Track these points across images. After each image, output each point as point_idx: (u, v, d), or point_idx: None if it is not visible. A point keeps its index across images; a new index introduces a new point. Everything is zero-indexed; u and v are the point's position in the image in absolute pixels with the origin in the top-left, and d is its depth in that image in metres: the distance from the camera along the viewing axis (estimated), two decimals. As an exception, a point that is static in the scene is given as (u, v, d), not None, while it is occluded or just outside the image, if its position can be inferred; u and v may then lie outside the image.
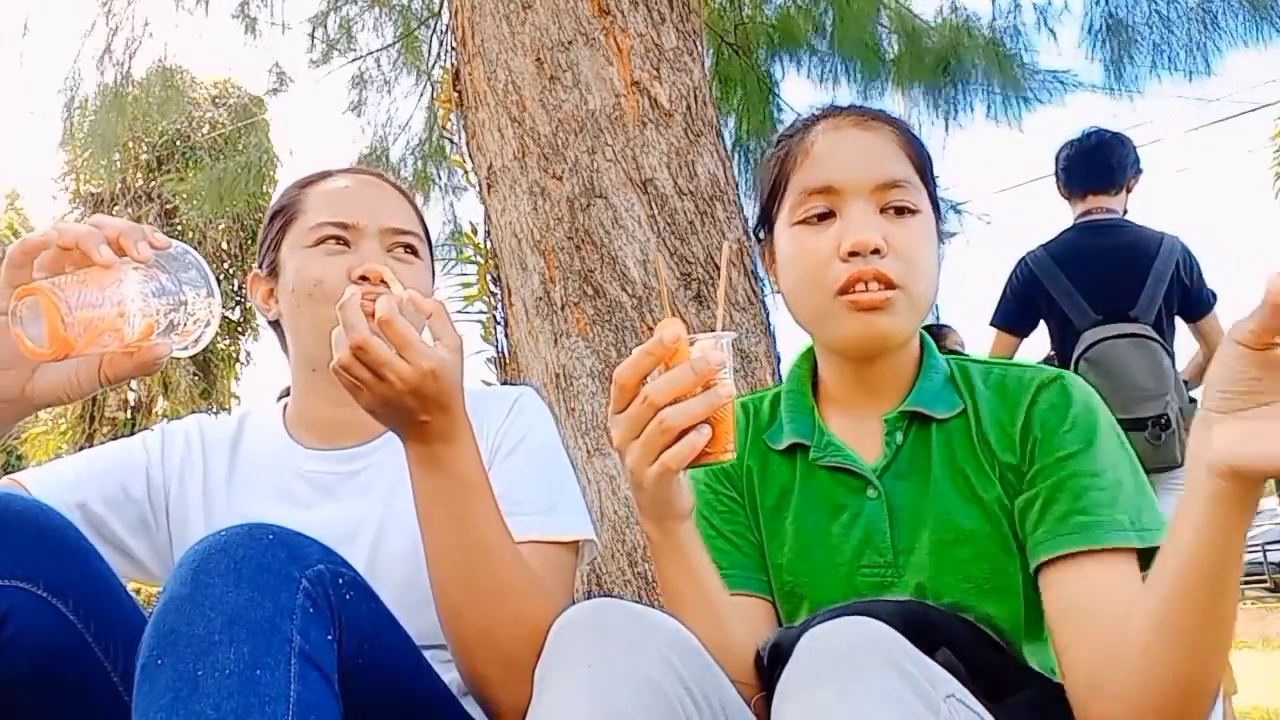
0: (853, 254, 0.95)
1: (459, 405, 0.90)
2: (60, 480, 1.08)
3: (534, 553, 1.02)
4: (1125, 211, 2.85)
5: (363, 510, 1.04)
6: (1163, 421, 2.46)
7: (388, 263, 1.12)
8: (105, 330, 0.77)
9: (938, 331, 3.77)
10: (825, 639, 0.71)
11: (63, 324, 0.73)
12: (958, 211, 5.27)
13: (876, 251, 0.94)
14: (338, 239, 1.12)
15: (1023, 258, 2.83)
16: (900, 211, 0.98)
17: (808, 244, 0.99)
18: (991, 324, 2.93)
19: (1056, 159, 2.91)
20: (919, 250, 0.97)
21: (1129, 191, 2.83)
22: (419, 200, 1.28)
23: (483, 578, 0.88)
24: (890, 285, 0.94)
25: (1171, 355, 2.58)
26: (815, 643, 0.71)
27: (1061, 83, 4.71)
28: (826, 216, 0.99)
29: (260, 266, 1.20)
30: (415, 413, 0.87)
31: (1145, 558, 0.89)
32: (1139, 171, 2.86)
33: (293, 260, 1.13)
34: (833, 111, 1.06)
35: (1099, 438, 0.94)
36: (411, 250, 1.16)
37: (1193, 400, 2.60)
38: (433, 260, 1.25)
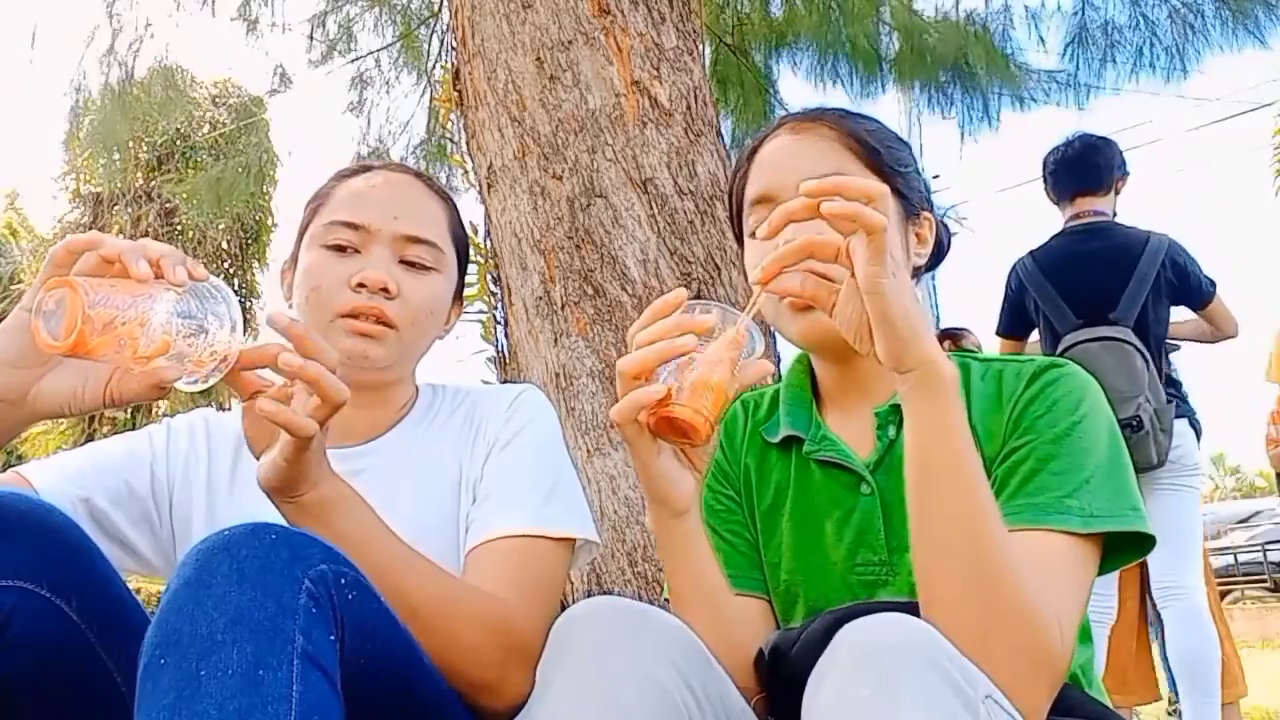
0: None
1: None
2: (64, 474, 1.07)
3: (519, 547, 1.02)
4: (1114, 214, 2.89)
5: None
6: (1135, 423, 2.50)
7: (393, 273, 1.09)
8: (123, 336, 0.77)
9: (956, 333, 3.76)
10: (863, 636, 0.70)
11: (83, 318, 0.74)
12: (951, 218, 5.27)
13: None
14: (348, 241, 1.10)
15: (1013, 266, 2.90)
16: None
17: (755, 252, 1.03)
18: (996, 334, 3.02)
19: (1044, 165, 2.97)
20: None
21: (1117, 193, 2.88)
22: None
23: (398, 602, 0.86)
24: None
25: (1147, 356, 2.60)
26: (852, 639, 0.70)
27: (1056, 82, 4.72)
28: None
29: (291, 254, 1.19)
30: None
31: (1130, 547, 0.90)
32: (1126, 174, 2.91)
33: (306, 256, 1.13)
34: (779, 122, 1.09)
35: (1075, 422, 0.92)
36: (424, 262, 1.13)
37: (1171, 399, 2.62)
38: (462, 270, 1.22)
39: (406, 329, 1.10)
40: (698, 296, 2.45)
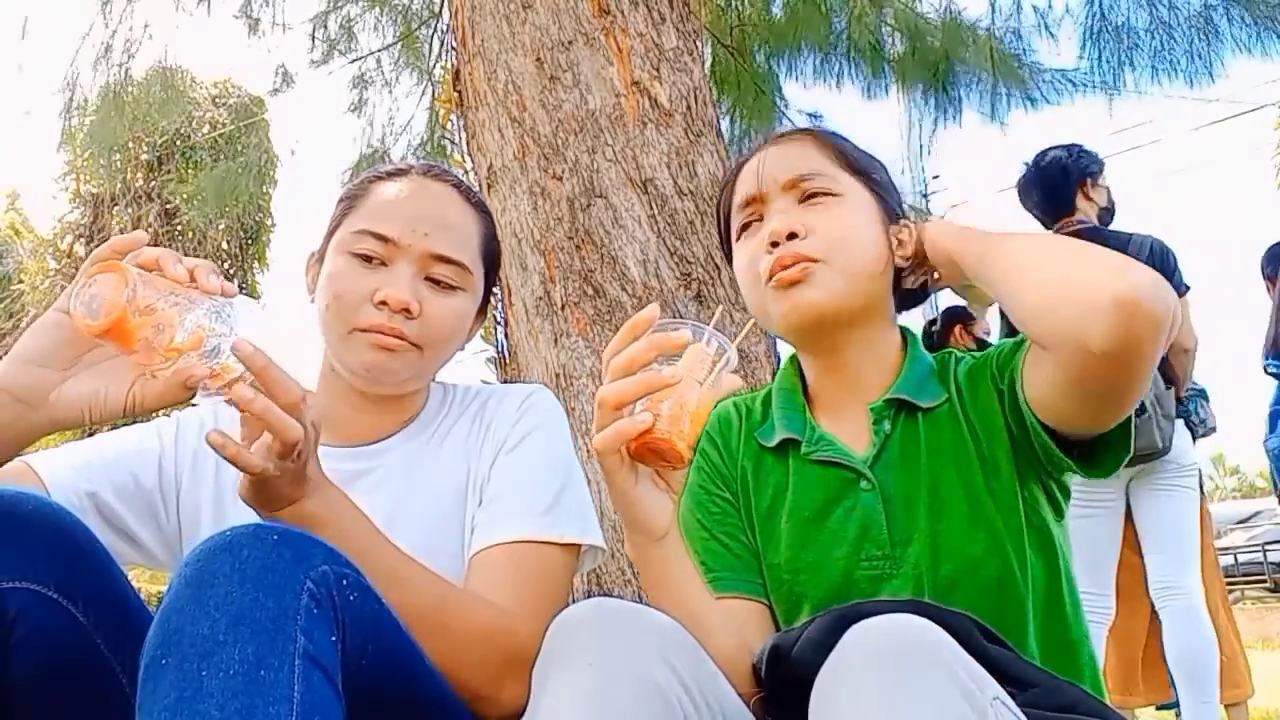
0: (773, 244, 1.03)
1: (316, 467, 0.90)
2: (71, 467, 1.06)
3: (523, 553, 1.02)
4: (1111, 209, 2.92)
5: (371, 509, 1.04)
6: (1138, 407, 2.50)
7: (418, 291, 1.07)
8: (160, 321, 0.79)
9: (966, 316, 3.74)
10: (872, 638, 0.70)
11: (124, 299, 0.76)
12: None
13: (794, 236, 1.02)
14: (374, 252, 1.08)
15: None
16: (817, 197, 1.06)
17: (744, 250, 1.09)
18: (1000, 339, 3.00)
19: (1017, 188, 2.99)
20: (841, 226, 1.04)
21: (1088, 198, 2.90)
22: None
23: (402, 609, 0.86)
24: (811, 260, 1.01)
25: None
26: (862, 641, 0.70)
27: (1071, 81, 4.70)
28: (757, 223, 1.08)
29: (318, 249, 1.17)
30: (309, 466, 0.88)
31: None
32: (1093, 173, 2.90)
33: (332, 259, 1.11)
34: (763, 140, 1.17)
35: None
36: (450, 282, 1.10)
37: (1169, 385, 2.63)
38: (489, 283, 1.19)
39: (426, 349, 1.09)
40: (698, 296, 2.46)
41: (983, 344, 3.69)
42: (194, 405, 0.90)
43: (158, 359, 0.81)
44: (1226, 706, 2.85)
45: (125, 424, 1.11)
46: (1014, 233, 0.99)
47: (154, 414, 0.95)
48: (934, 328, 3.81)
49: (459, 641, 0.91)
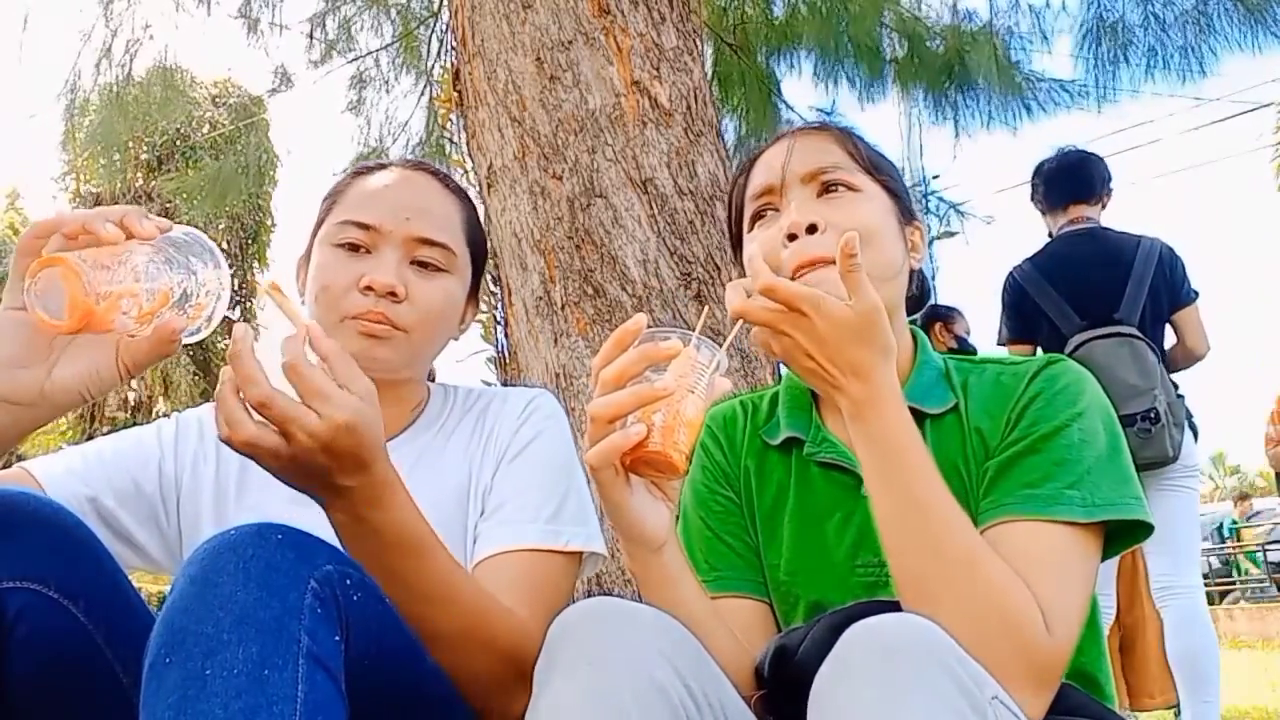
0: (791, 236, 0.97)
1: (382, 461, 0.83)
2: (71, 471, 1.07)
3: (527, 561, 1.02)
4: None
5: None
6: (1151, 415, 2.51)
7: (403, 275, 1.08)
8: (124, 295, 0.77)
9: (947, 315, 3.74)
10: (872, 637, 0.70)
11: (83, 290, 0.74)
12: (960, 213, 5.27)
13: (814, 229, 0.97)
14: (359, 240, 1.09)
15: (1010, 272, 2.92)
16: (837, 189, 1.02)
17: (756, 240, 1.04)
18: (1000, 343, 3.00)
19: (1037, 173, 2.99)
20: (860, 224, 0.97)
21: (1104, 207, 2.93)
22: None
23: (436, 626, 0.86)
24: (832, 261, 0.94)
25: (1159, 353, 2.62)
26: (861, 640, 0.70)
27: (1066, 90, 4.70)
28: (773, 213, 1.04)
29: (305, 249, 1.18)
30: (331, 474, 0.80)
31: (1126, 535, 0.92)
32: (1111, 190, 2.96)
33: (318, 253, 1.12)
34: (784, 131, 1.13)
35: (1076, 414, 0.94)
36: (437, 264, 1.11)
37: (1180, 396, 2.63)
38: (478, 269, 1.21)
39: (415, 332, 1.09)
40: (698, 296, 2.45)
41: (963, 342, 3.69)
42: (193, 339, 0.87)
43: (134, 327, 0.80)
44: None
45: (126, 424, 1.11)
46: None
47: (148, 372, 0.93)
48: (914, 326, 3.79)
49: (486, 651, 0.91)
